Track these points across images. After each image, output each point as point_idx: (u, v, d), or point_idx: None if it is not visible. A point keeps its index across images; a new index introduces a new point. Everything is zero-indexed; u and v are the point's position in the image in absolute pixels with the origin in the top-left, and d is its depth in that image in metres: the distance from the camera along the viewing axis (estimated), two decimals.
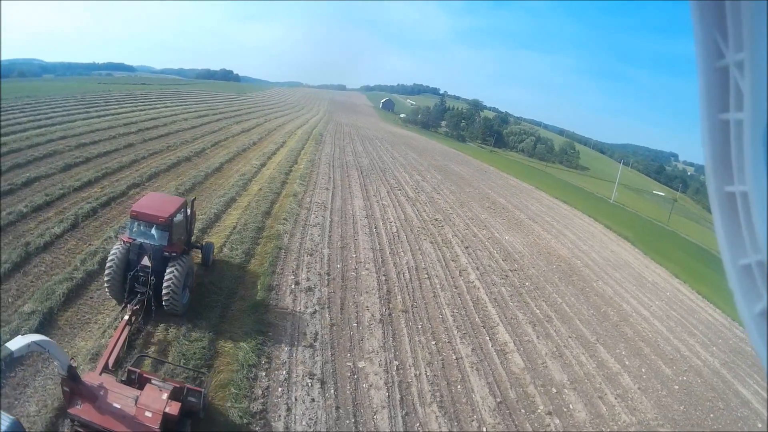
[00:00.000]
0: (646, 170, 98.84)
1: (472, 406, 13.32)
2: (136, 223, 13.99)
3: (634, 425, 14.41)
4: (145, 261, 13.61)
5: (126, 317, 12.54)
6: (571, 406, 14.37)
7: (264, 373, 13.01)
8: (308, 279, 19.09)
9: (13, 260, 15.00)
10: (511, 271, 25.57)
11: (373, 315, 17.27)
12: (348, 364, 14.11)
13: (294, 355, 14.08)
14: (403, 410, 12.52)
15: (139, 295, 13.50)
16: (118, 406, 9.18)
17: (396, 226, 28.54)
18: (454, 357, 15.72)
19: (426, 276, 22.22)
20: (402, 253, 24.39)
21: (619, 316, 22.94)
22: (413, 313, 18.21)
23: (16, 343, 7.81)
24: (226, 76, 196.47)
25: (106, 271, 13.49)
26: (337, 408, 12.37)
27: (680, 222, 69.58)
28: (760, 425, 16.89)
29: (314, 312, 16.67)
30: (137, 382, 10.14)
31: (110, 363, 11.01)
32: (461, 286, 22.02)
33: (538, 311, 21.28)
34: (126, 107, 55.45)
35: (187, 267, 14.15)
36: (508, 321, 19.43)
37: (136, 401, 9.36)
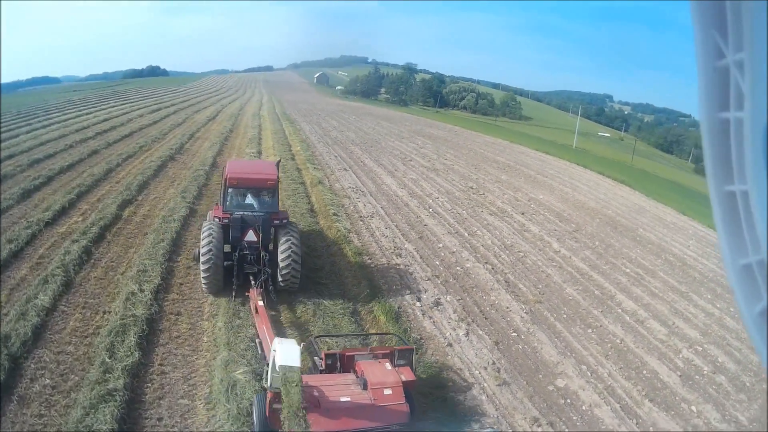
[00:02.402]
0: (585, 114, 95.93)
1: (669, 389, 10.48)
2: (235, 193, 11.20)
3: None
4: (250, 236, 10.87)
5: (261, 302, 9.52)
6: (719, 359, 11.96)
7: None
8: (425, 290, 13.03)
9: None
10: (575, 232, 20.89)
11: (521, 317, 12.57)
12: (549, 388, 10.04)
13: (495, 400, 9.31)
14: (631, 419, 9.46)
15: (251, 277, 10.73)
16: (348, 399, 6.76)
17: (447, 202, 22.53)
18: (617, 341, 12.11)
19: (521, 254, 17.14)
20: (478, 232, 18.78)
21: (678, 260, 19.35)
22: (548, 302, 13.69)
23: (289, 356, 5.74)
24: (154, 72, 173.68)
25: (205, 264, 10.35)
26: None
27: (641, 161, 67.26)
28: None
29: (466, 333, 11.29)
30: (340, 365, 7.72)
31: None
32: (555, 258, 17.25)
33: (627, 270, 17.22)
34: (69, 113, 44.01)
35: (299, 234, 11.51)
36: (618, 287, 15.52)
37: (364, 385, 7.05)
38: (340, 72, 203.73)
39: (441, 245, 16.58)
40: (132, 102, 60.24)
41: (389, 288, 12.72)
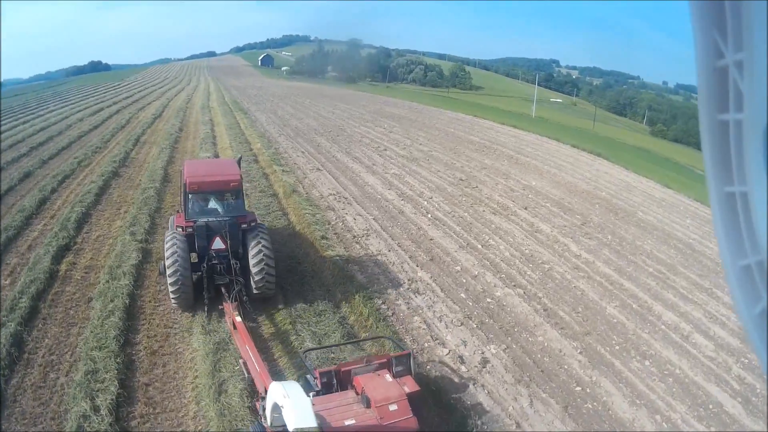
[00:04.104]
0: (534, 80, 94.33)
1: (737, 423, 9.37)
2: (196, 198, 10.26)
3: None
4: (218, 243, 9.96)
5: (238, 318, 8.77)
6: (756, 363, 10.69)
7: None
8: (464, 342, 10.57)
9: None
10: (583, 225, 19.17)
11: (578, 361, 10.64)
12: None
13: None
14: None
15: (223, 288, 9.93)
16: (353, 422, 6.08)
17: (443, 203, 20.02)
18: (676, 371, 10.61)
19: (545, 266, 15.02)
20: (491, 242, 16.53)
21: (687, 246, 18.22)
22: (595, 332, 11.78)
23: (302, 415, 5.12)
24: (96, 67, 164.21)
25: (173, 277, 9.42)
26: None
27: (601, 127, 66.54)
28: None
29: (530, 402, 9.14)
30: (337, 382, 6.92)
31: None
32: (579, 266, 15.34)
33: (650, 269, 15.68)
34: (5, 123, 37.88)
35: (269, 235, 10.70)
36: (651, 294, 14.03)
37: (367, 403, 6.40)
38: (283, 52, 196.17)
39: (458, 268, 14.12)
40: (72, 103, 54.47)
41: (421, 347, 10.24)
